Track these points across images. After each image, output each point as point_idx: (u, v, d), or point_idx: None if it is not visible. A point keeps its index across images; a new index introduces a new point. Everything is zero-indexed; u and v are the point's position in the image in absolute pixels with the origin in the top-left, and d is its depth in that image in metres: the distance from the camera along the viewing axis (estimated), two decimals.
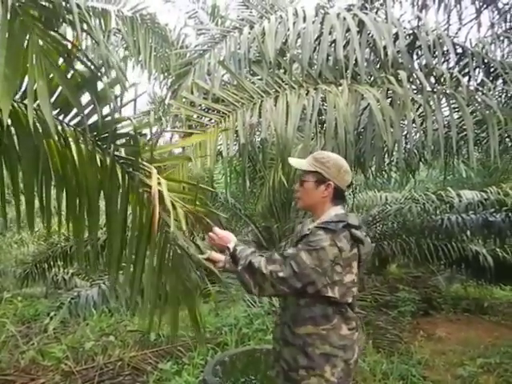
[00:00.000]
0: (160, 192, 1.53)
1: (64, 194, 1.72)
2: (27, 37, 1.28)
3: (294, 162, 1.80)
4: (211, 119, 3.21)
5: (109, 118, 1.57)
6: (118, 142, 1.70)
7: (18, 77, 1.26)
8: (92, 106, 1.54)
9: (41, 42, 1.29)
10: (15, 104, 1.56)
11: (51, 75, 1.41)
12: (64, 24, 1.43)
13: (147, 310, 1.86)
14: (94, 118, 1.61)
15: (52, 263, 6.83)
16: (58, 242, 7.17)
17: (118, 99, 1.55)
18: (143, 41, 5.12)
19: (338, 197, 1.70)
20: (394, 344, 4.05)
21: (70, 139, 1.65)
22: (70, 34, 1.51)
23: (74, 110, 1.63)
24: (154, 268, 1.82)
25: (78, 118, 1.64)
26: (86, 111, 1.58)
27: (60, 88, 1.54)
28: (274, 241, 6.20)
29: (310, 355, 1.55)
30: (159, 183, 1.54)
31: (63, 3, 1.24)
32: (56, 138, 1.59)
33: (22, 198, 1.72)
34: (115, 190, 1.75)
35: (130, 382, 2.95)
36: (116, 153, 1.70)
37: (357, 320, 1.66)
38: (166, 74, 5.58)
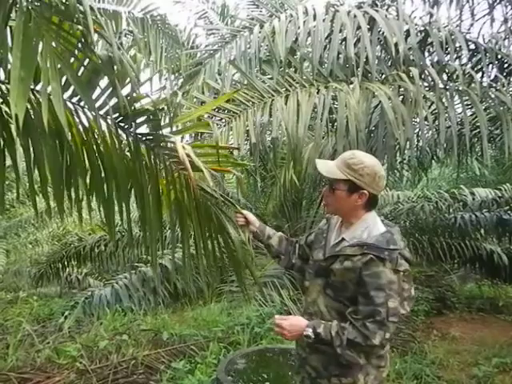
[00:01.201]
0: (189, 157, 1.53)
1: (90, 181, 1.74)
2: (41, 39, 1.30)
3: (323, 167, 1.62)
4: (222, 119, 3.22)
5: (128, 98, 1.56)
6: (139, 120, 1.71)
7: (32, 78, 1.28)
8: (111, 89, 1.55)
9: (54, 44, 1.31)
10: (37, 95, 1.57)
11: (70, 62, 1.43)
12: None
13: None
14: (114, 100, 1.61)
15: (66, 263, 6.94)
16: (72, 243, 7.27)
17: (136, 80, 1.55)
18: (154, 42, 5.15)
19: (372, 203, 1.59)
20: (408, 343, 4.01)
21: (92, 124, 1.66)
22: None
23: (94, 95, 1.63)
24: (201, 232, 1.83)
25: (99, 102, 1.65)
26: (106, 94, 1.60)
27: (80, 75, 1.55)
28: None
29: (344, 363, 1.50)
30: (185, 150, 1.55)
31: (77, 5, 1.26)
32: (74, 124, 1.61)
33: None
34: (142, 169, 1.75)
35: (143, 381, 2.97)
36: (138, 131, 1.71)
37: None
38: (176, 74, 5.61)
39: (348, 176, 1.53)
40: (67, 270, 7.28)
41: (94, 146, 1.68)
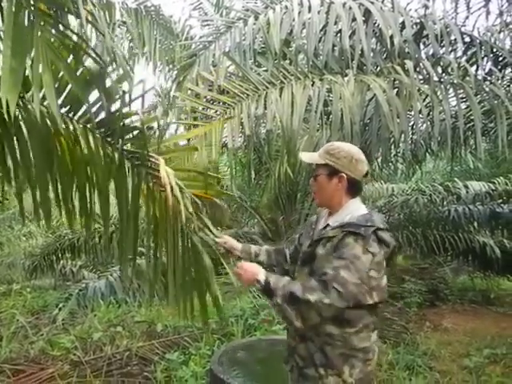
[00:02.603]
0: (169, 181, 1.54)
1: (75, 188, 1.75)
2: (33, 29, 1.29)
3: (305, 156, 1.75)
4: (216, 111, 3.21)
5: (117, 113, 1.58)
6: (126, 137, 1.71)
7: (24, 69, 1.26)
8: (100, 102, 1.55)
9: (46, 35, 1.29)
10: (25, 101, 1.57)
11: (60, 74, 1.43)
12: (69, 16, 1.43)
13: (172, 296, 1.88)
14: (103, 114, 1.62)
15: (60, 255, 6.91)
16: (66, 235, 7.24)
17: (126, 94, 1.54)
18: (148, 33, 5.11)
19: (354, 189, 1.63)
20: (400, 335, 4.06)
21: (80, 136, 1.67)
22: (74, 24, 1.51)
23: (83, 108, 1.65)
24: (173, 254, 1.84)
25: (88, 116, 1.66)
26: (95, 108, 1.60)
27: (69, 86, 1.56)
28: (279, 232, 6.22)
29: (328, 355, 1.51)
30: (167, 173, 1.55)
31: None
32: (63, 131, 1.60)
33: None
34: (125, 183, 1.77)
35: (137, 372, 2.99)
36: (124, 147, 1.71)
37: (376, 321, 1.61)
38: (171, 65, 5.58)
39: (326, 160, 1.62)
40: (61, 262, 7.25)
41: (81, 155, 1.69)
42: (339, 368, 1.51)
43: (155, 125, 1.88)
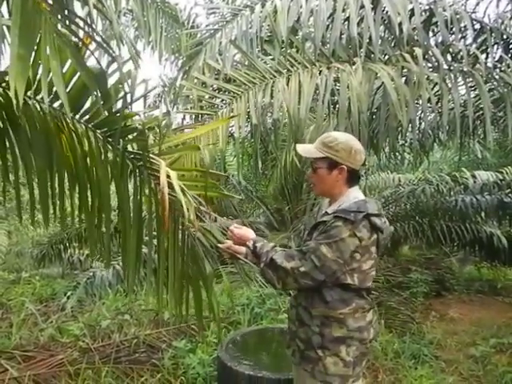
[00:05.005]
0: (170, 183, 1.51)
1: (76, 188, 1.77)
2: (40, 16, 1.28)
3: (302, 149, 1.74)
4: (223, 100, 3.19)
5: (118, 114, 1.57)
6: (128, 138, 1.71)
7: (31, 56, 1.26)
8: (102, 102, 1.54)
9: (54, 20, 1.28)
10: (28, 100, 1.57)
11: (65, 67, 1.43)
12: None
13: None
14: (104, 114, 1.61)
15: (67, 244, 6.97)
16: (73, 224, 7.27)
17: (128, 95, 1.50)
18: (153, 21, 5.08)
19: (353, 178, 1.66)
20: (406, 324, 4.06)
21: (81, 135, 1.67)
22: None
23: (85, 107, 1.65)
24: (172, 256, 1.90)
25: (89, 115, 1.66)
26: (96, 107, 1.60)
27: (71, 85, 1.56)
28: (285, 222, 6.22)
29: (327, 337, 1.56)
30: (168, 175, 1.52)
31: None
32: (65, 126, 1.61)
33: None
34: (126, 184, 1.78)
35: (145, 359, 3.02)
36: (126, 147, 1.72)
37: (370, 302, 1.65)
38: (176, 54, 5.54)
39: (325, 153, 1.63)
40: (69, 251, 7.32)
41: (81, 156, 1.70)
42: (336, 349, 1.56)
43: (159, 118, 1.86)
